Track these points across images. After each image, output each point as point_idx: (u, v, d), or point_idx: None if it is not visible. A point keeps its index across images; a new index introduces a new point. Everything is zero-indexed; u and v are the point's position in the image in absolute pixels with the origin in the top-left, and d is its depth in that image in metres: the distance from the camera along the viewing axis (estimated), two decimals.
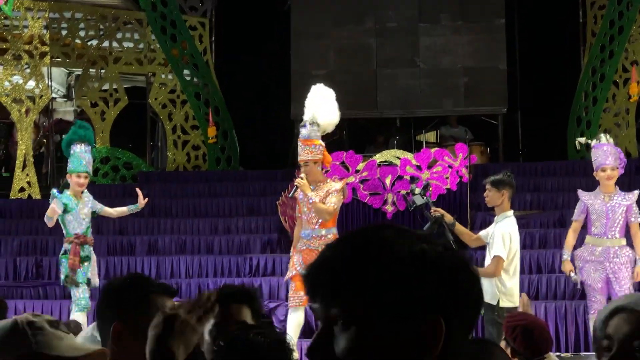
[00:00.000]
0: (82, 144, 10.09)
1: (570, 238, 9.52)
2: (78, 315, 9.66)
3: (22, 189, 15.45)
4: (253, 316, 3.71)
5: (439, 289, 1.50)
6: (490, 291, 8.17)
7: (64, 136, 10.73)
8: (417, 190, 8.83)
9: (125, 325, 2.67)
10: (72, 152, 10.07)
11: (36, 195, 15.43)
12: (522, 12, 17.57)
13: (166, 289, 2.82)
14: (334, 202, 9.21)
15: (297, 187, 9.57)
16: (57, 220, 9.98)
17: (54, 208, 9.78)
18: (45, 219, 10.01)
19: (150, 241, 13.50)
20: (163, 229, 13.99)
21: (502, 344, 5.14)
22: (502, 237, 8.21)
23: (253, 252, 13.04)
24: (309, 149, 9.43)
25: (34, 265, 12.69)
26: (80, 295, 9.85)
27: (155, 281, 2.86)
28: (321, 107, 9.69)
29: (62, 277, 9.94)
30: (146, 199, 10.59)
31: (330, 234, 9.28)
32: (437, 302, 1.50)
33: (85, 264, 9.93)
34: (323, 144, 9.56)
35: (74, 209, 9.91)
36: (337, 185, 9.44)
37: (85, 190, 10.13)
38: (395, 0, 16.98)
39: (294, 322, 9.41)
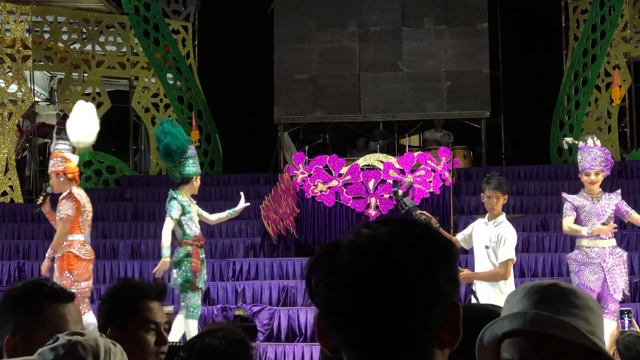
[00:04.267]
0: (192, 147, 9.86)
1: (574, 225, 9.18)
2: (192, 323, 9.20)
3: (4, 193, 15.38)
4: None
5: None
6: (493, 295, 8.08)
7: (167, 141, 9.87)
8: (401, 193, 8.78)
9: (20, 337, 2.51)
10: (190, 155, 9.66)
11: (18, 199, 15.37)
12: (505, 16, 17.62)
13: (58, 296, 2.63)
14: (61, 213, 9.28)
15: (44, 200, 9.61)
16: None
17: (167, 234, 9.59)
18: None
19: (133, 245, 13.46)
20: (146, 233, 13.95)
21: None
22: (510, 239, 8.20)
23: (236, 256, 13.01)
24: (52, 162, 9.61)
25: (16, 269, 12.62)
26: (198, 302, 9.37)
27: (50, 286, 2.66)
28: (73, 123, 9.96)
29: (180, 280, 9.34)
30: (247, 203, 10.07)
31: (73, 239, 9.36)
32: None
33: (204, 269, 9.60)
34: (68, 156, 9.56)
35: (190, 211, 9.56)
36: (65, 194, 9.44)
37: None
38: (379, 4, 17.00)
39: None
